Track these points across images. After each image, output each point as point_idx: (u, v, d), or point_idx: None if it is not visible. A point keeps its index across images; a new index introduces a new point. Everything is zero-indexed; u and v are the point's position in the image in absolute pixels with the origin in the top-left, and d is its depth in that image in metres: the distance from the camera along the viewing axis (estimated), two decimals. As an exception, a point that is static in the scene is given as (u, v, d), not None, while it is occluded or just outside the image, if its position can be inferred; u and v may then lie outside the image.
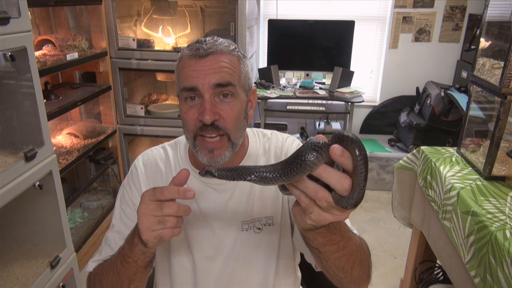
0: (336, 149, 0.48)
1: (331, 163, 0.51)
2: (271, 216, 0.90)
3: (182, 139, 0.97)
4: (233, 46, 0.82)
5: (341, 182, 0.49)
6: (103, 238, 0.92)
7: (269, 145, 0.95)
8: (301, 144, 0.97)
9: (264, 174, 0.54)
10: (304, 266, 1.03)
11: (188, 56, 0.79)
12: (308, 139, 0.53)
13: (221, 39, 0.82)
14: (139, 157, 0.97)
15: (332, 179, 0.50)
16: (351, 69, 3.04)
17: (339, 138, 0.50)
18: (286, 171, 0.52)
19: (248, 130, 0.96)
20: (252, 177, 0.56)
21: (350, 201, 0.50)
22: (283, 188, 0.60)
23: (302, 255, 1.00)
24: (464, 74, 3.02)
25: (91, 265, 0.89)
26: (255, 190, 0.90)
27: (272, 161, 0.93)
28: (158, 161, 0.94)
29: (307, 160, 0.50)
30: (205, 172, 0.62)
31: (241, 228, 0.89)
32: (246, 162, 0.91)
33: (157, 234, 0.67)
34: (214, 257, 0.89)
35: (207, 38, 0.81)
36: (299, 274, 1.01)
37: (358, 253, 0.68)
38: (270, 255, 0.90)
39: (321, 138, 0.52)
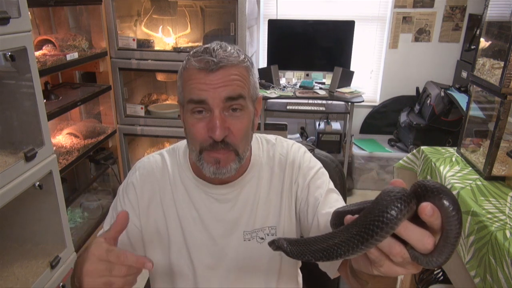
0: (428, 209, 0.41)
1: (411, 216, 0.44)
2: (274, 226, 0.88)
3: (180, 145, 0.94)
4: (243, 56, 0.78)
5: (423, 241, 0.43)
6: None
7: (274, 152, 0.92)
8: (307, 151, 0.92)
9: (339, 250, 0.45)
10: (304, 266, 1.03)
11: (196, 69, 0.74)
12: (387, 190, 0.44)
13: (229, 48, 0.77)
14: (136, 166, 0.94)
15: (413, 237, 0.43)
16: (351, 69, 3.04)
17: (423, 190, 0.43)
18: (365, 239, 0.43)
19: None
20: (322, 255, 0.48)
21: (433, 262, 0.43)
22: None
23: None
24: (464, 74, 3.02)
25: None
26: (258, 200, 0.88)
27: (276, 169, 0.90)
28: (155, 170, 0.91)
29: (389, 222, 0.41)
30: (276, 247, 0.57)
31: (243, 238, 0.87)
32: (250, 172, 0.89)
33: None
34: (215, 266, 0.88)
35: (215, 47, 0.76)
36: (300, 278, 1.01)
37: None
38: (272, 265, 0.89)
39: (399, 185, 0.44)
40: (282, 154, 0.91)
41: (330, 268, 0.80)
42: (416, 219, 0.43)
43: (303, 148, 0.94)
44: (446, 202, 0.41)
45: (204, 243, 0.87)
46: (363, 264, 0.52)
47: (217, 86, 0.73)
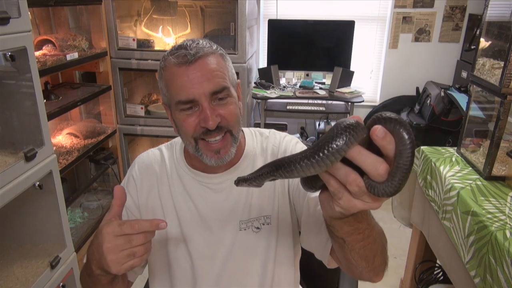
0: (379, 130, 0.43)
1: (366, 147, 0.46)
2: (269, 215, 0.90)
3: (177, 140, 0.98)
4: (215, 46, 0.83)
5: (375, 166, 0.44)
6: None
7: (267, 144, 0.95)
8: (299, 142, 0.96)
9: (293, 166, 0.47)
10: (304, 266, 1.03)
11: (176, 64, 0.78)
12: (339, 120, 0.48)
13: (201, 41, 0.82)
14: (136, 161, 0.98)
15: (366, 162, 0.45)
16: (351, 69, 3.04)
17: (380, 120, 0.45)
18: (315, 158, 0.45)
19: (245, 129, 0.97)
20: (273, 168, 0.51)
21: (386, 189, 0.44)
22: (306, 185, 0.56)
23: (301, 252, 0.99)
24: (464, 74, 3.02)
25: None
26: (253, 189, 0.90)
27: (269, 159, 0.92)
28: (153, 164, 0.95)
29: (338, 144, 0.43)
30: (239, 181, 0.59)
31: (239, 228, 0.89)
32: (243, 161, 0.92)
33: (127, 266, 0.67)
34: (212, 256, 0.89)
35: (188, 43, 0.80)
36: (298, 273, 1.01)
37: (380, 241, 0.66)
38: (268, 254, 0.90)
39: (355, 119, 0.47)
40: (274, 145, 0.95)
41: (323, 254, 0.81)
42: (374, 150, 0.45)
43: (296, 139, 0.97)
44: (399, 128, 0.43)
45: (200, 234, 0.89)
46: (327, 204, 0.53)
47: (200, 80, 0.77)
